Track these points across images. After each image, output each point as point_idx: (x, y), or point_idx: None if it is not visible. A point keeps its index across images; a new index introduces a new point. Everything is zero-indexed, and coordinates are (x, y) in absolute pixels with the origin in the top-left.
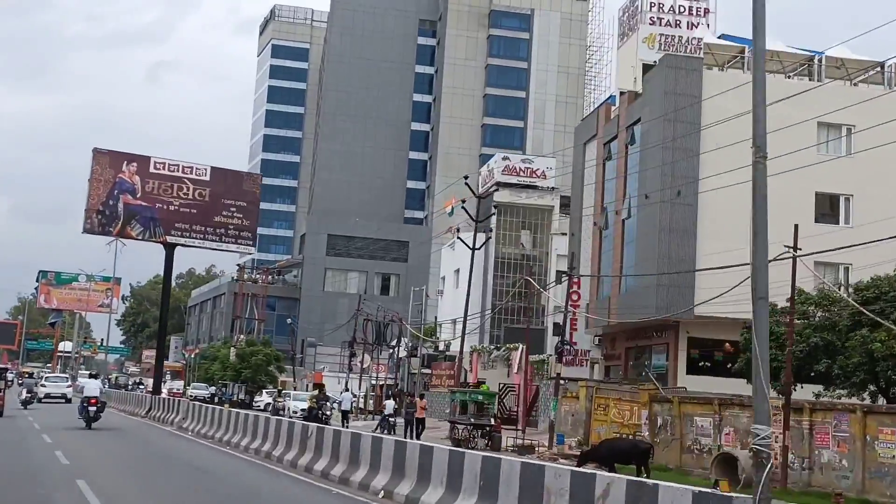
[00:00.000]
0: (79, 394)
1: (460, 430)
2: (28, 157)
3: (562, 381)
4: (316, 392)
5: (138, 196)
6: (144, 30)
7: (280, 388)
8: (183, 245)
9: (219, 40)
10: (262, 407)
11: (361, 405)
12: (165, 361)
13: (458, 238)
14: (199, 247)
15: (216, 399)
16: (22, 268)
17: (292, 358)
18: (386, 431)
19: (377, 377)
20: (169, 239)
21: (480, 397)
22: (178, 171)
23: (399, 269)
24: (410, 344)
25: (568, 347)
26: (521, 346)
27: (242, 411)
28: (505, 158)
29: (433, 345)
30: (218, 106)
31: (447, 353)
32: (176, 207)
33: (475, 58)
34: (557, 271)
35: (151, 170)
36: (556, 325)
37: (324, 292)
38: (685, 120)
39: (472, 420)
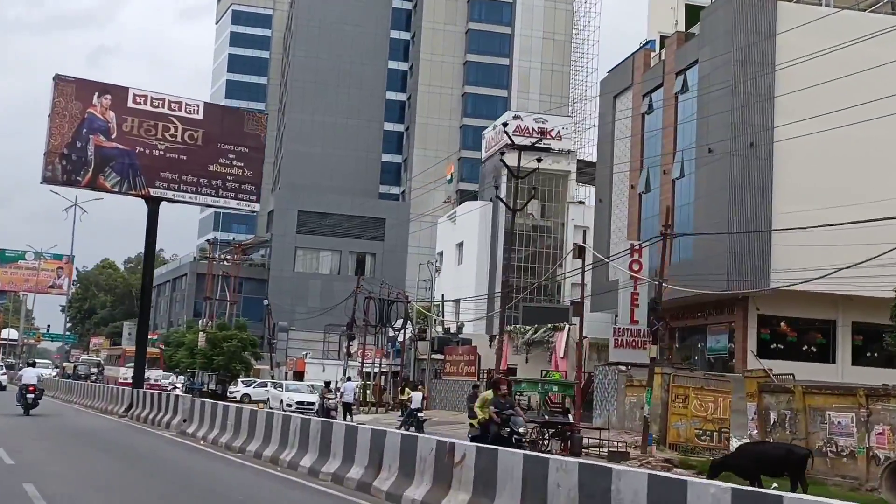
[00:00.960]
0: (17, 382)
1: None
2: None
3: (622, 368)
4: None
5: (113, 137)
6: (85, 14)
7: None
8: (171, 200)
9: (161, 26)
10: (238, 398)
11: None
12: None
13: (497, 197)
14: (191, 202)
15: (185, 390)
16: None
17: (269, 344)
18: (414, 429)
19: (380, 364)
20: (153, 192)
21: (555, 388)
22: (163, 106)
23: (375, 248)
24: (417, 326)
25: (623, 328)
26: (568, 325)
27: (276, 412)
28: (516, 117)
29: (441, 327)
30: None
31: (460, 336)
32: (161, 152)
33: (455, 22)
34: (574, 244)
35: (130, 104)
36: (574, 303)
37: (294, 272)
38: (756, 60)
39: (546, 417)
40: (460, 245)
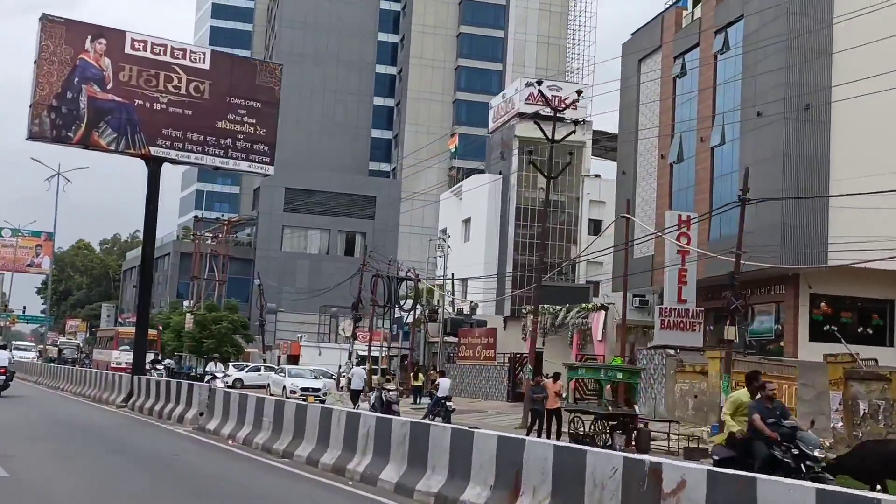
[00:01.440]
0: None
1: (586, 424)
2: None
3: (671, 351)
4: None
5: (109, 88)
6: None
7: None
8: (174, 161)
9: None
10: (230, 384)
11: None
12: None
13: (532, 163)
14: (197, 164)
15: (168, 375)
16: None
17: (260, 326)
18: (442, 419)
19: (388, 347)
20: (154, 151)
21: (620, 375)
22: (165, 53)
23: (365, 227)
24: (428, 307)
25: (670, 308)
26: (604, 305)
27: (337, 407)
28: (529, 84)
29: (453, 308)
30: None
31: (473, 317)
32: (163, 106)
33: None
34: (590, 219)
35: (128, 50)
36: (590, 283)
37: (281, 252)
38: (811, 13)
39: (609, 408)
40: (467, 221)
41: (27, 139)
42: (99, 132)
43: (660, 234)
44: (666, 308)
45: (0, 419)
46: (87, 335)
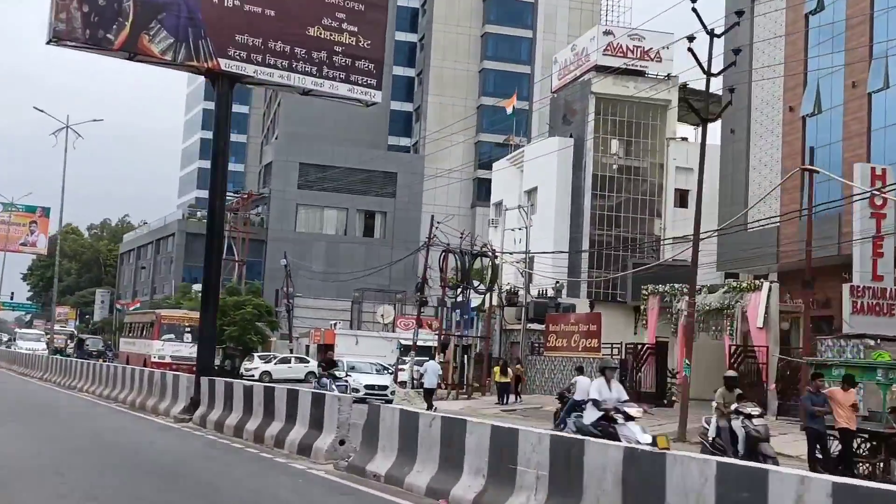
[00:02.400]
0: None
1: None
2: None
3: (870, 342)
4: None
5: None
6: None
7: (577, 368)
8: (251, 81)
9: None
10: (256, 378)
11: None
12: (90, 318)
13: (685, 100)
14: (281, 84)
15: (107, 357)
16: None
17: (287, 311)
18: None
19: (459, 336)
20: (224, 64)
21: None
22: None
23: (385, 206)
24: (507, 288)
25: (864, 287)
26: (768, 284)
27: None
28: (608, 33)
29: (527, 290)
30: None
31: (558, 300)
32: (237, 3)
33: None
34: (676, 189)
35: None
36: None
37: (296, 233)
38: None
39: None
40: (531, 192)
41: (48, 42)
42: (150, 35)
43: (875, 192)
44: (859, 287)
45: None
46: (78, 323)
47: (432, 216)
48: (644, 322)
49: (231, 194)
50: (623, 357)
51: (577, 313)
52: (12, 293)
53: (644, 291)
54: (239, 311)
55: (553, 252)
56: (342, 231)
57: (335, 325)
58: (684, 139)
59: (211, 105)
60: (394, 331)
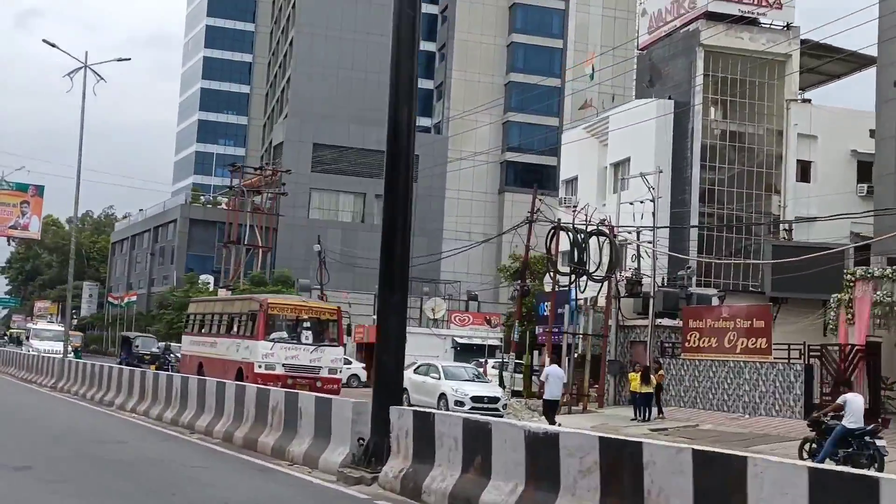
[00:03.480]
0: None
1: None
2: None
3: None
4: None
5: None
6: None
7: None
8: None
9: None
10: None
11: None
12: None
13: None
14: None
15: (167, 364)
16: None
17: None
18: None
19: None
20: None
21: None
22: None
23: None
24: (629, 274)
25: None
26: None
27: None
28: None
29: (639, 277)
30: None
31: (688, 290)
32: None
33: None
34: (798, 161)
35: None
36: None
37: (309, 219)
38: None
39: None
40: (619, 165)
41: None
42: None
43: None
44: None
45: None
46: (59, 318)
47: (535, 184)
48: (849, 317)
49: (251, 169)
50: (807, 363)
51: (731, 306)
52: None
53: (849, 276)
54: None
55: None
56: (359, 218)
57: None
58: (807, 101)
59: (210, 84)
60: (448, 327)
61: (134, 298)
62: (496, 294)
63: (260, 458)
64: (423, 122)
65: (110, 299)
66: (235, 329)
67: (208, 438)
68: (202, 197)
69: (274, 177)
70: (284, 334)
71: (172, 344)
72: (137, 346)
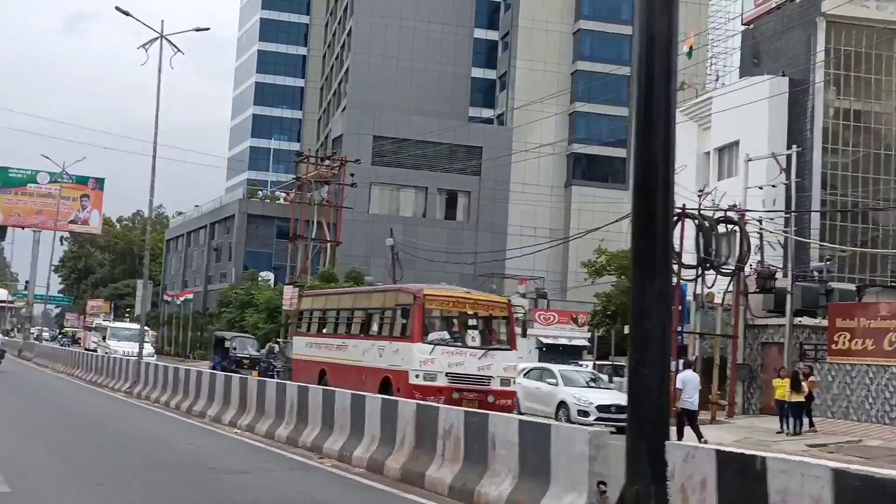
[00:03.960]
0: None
1: None
2: None
3: None
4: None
5: None
6: None
7: None
8: None
9: None
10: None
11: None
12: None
13: None
14: None
15: (262, 371)
16: None
17: None
18: None
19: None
20: None
21: None
22: None
23: (469, 185)
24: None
25: None
26: None
27: None
28: None
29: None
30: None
31: (828, 285)
32: None
33: None
34: None
35: None
36: None
37: (369, 214)
38: None
39: None
40: (725, 149)
41: None
42: None
43: None
44: None
45: None
46: (113, 316)
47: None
48: None
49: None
50: None
51: (891, 302)
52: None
53: None
54: None
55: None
56: (421, 213)
57: None
58: None
59: (264, 78)
60: (531, 326)
61: (190, 296)
62: (564, 291)
63: (432, 498)
64: (484, 113)
65: (166, 297)
66: (376, 328)
67: (346, 466)
68: (259, 192)
69: (342, 167)
70: (446, 334)
71: (275, 344)
72: (234, 349)
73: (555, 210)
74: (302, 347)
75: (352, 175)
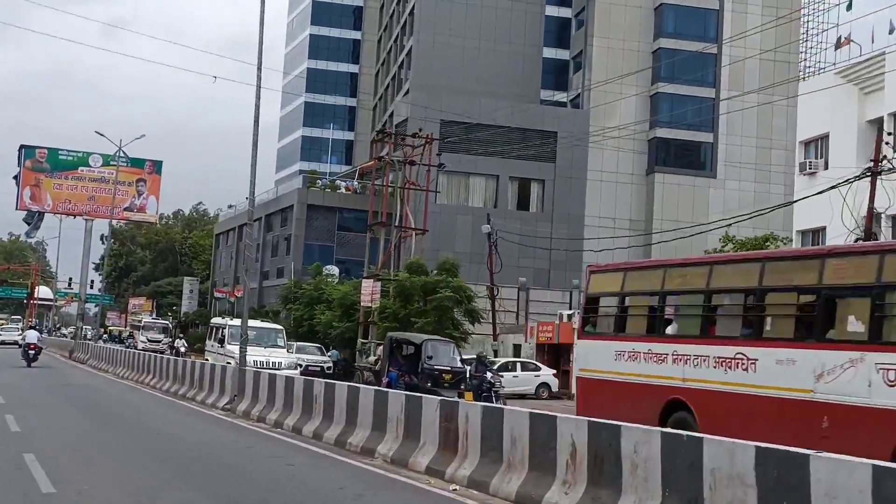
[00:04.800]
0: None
1: None
2: None
3: None
4: None
5: None
6: None
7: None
8: None
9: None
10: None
11: None
12: (176, 310)
13: None
14: None
15: (485, 389)
16: None
17: (491, 297)
18: None
19: None
20: None
21: None
22: None
23: (543, 173)
24: None
25: None
26: None
27: None
28: None
29: None
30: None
31: None
32: None
33: None
34: None
35: None
36: None
37: (436, 205)
38: None
39: None
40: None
41: None
42: None
43: None
44: None
45: None
46: (155, 315)
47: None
48: None
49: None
50: None
51: None
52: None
53: None
54: (437, 296)
55: None
56: (492, 203)
57: (570, 317)
58: None
59: (316, 64)
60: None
61: (237, 296)
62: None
63: None
64: (557, 96)
65: (218, 294)
66: (860, 326)
67: None
68: (319, 181)
69: (427, 146)
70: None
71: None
72: (430, 357)
73: (636, 199)
74: (602, 358)
75: (438, 155)
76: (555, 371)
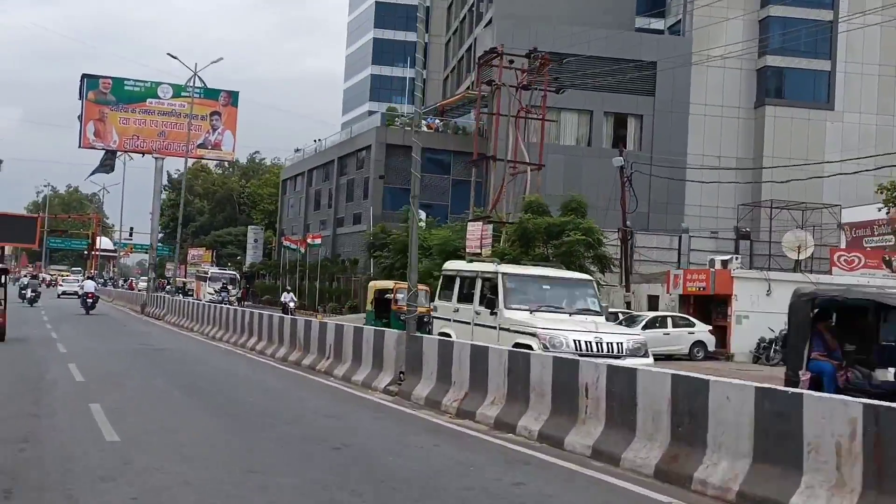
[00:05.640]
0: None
1: None
2: (34, 68)
3: None
4: None
5: None
6: None
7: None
8: None
9: None
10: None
11: None
12: (240, 260)
13: None
14: None
15: None
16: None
17: (624, 245)
18: None
19: None
20: None
21: None
22: None
23: (641, 108)
24: None
25: None
26: None
27: None
28: None
29: None
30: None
31: None
32: None
33: None
34: None
35: None
36: None
37: (527, 143)
38: None
39: None
40: None
41: None
42: None
43: None
44: None
45: None
46: (217, 266)
47: None
48: None
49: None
50: None
51: None
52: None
53: None
54: (560, 241)
55: None
56: (585, 141)
57: (731, 262)
58: None
59: None
60: (826, 271)
61: (318, 241)
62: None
63: None
64: (654, 24)
65: (286, 243)
66: None
67: None
68: (397, 119)
69: (543, 67)
70: None
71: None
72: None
73: (743, 135)
74: None
75: (555, 78)
76: (710, 327)
